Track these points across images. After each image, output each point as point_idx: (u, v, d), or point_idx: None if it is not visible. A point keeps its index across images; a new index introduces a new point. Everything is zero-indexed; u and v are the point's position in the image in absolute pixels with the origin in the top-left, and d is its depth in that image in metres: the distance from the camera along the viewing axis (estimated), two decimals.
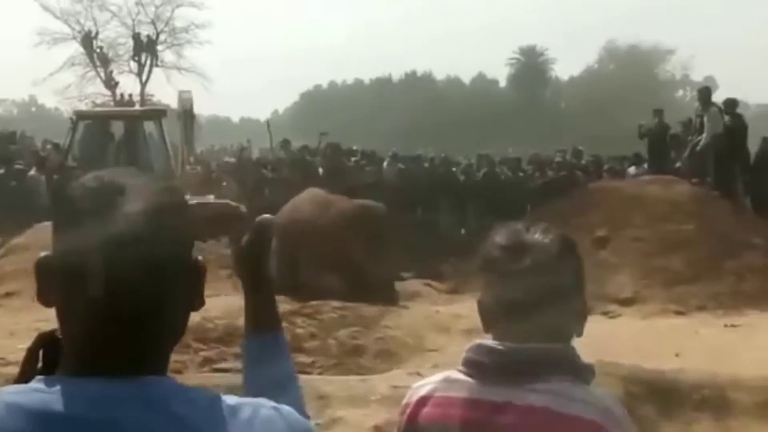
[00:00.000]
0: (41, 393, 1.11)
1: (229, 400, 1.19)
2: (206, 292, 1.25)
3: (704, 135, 14.52)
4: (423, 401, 1.73)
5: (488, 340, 1.64)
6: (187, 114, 16.37)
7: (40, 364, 1.22)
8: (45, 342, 1.23)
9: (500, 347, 1.61)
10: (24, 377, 1.19)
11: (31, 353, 1.23)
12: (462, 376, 1.67)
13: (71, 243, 1.14)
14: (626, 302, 10.56)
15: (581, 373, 1.62)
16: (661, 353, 8.03)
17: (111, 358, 1.13)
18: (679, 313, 10.21)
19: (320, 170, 18.56)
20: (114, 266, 1.10)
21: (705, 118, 14.60)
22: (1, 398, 1.11)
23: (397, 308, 9.94)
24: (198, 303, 1.23)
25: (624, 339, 8.62)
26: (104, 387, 1.12)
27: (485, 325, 1.70)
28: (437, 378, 1.73)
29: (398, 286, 11.97)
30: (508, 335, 1.62)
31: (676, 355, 7.91)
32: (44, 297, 1.18)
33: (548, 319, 1.60)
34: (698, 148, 14.74)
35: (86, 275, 1.11)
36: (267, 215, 1.57)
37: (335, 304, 9.59)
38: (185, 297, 1.20)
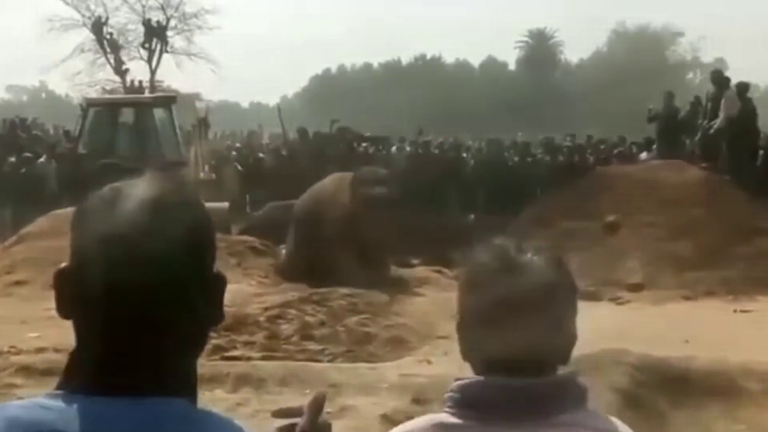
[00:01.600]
0: (44, 409, 1.10)
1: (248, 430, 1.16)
2: None
3: (719, 118, 14.47)
4: None
5: (480, 377, 1.47)
6: (202, 123, 16.36)
7: None
8: None
9: (506, 383, 1.44)
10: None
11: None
12: (455, 419, 1.46)
13: (88, 256, 1.12)
14: (636, 288, 10.55)
15: (585, 398, 1.49)
16: (671, 339, 8.02)
17: (123, 377, 1.11)
18: (688, 298, 10.20)
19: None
20: (131, 280, 1.09)
21: (722, 101, 14.52)
22: (5, 411, 1.11)
23: (407, 295, 9.94)
24: (218, 318, 1.20)
25: (633, 325, 8.63)
26: (107, 407, 1.10)
27: (464, 351, 1.52)
28: (422, 425, 1.50)
29: (407, 272, 11.97)
30: (498, 366, 1.45)
31: (686, 341, 7.89)
32: (63, 309, 1.16)
33: (543, 347, 1.45)
34: (711, 131, 14.70)
35: (103, 289, 1.10)
36: (320, 393, 1.31)
37: (344, 290, 9.58)
38: (205, 312, 1.17)
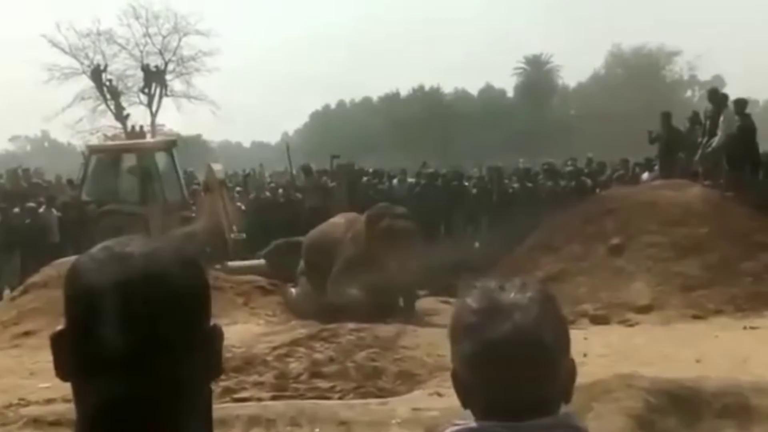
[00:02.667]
0: None
1: None
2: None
3: (718, 136, 14.48)
4: None
5: (474, 422, 1.44)
6: (222, 185, 16.43)
7: None
8: None
9: (500, 429, 1.40)
10: None
11: None
12: None
13: (81, 316, 1.12)
14: (644, 309, 10.51)
15: None
16: (682, 359, 8.00)
17: None
18: (697, 317, 10.16)
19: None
20: (126, 342, 1.09)
21: (721, 119, 14.55)
22: None
23: (414, 327, 9.92)
24: (218, 371, 1.19)
25: (644, 346, 8.60)
26: None
27: (463, 400, 1.48)
28: None
29: (415, 303, 11.97)
30: (495, 411, 1.41)
31: (697, 361, 7.86)
32: (61, 371, 1.16)
33: (537, 387, 1.41)
34: (710, 149, 14.72)
35: (97, 351, 1.09)
36: None
37: (352, 326, 9.59)
38: (203, 368, 1.17)
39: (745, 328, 9.34)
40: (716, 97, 15.59)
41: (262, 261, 13.11)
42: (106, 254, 1.15)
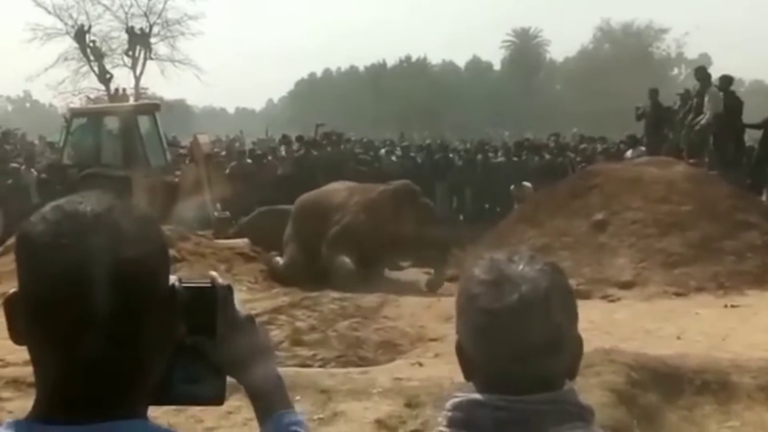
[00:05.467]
0: None
1: None
2: None
3: (705, 114, 14.52)
4: None
5: (476, 394, 1.42)
6: (208, 158, 16.29)
7: None
8: None
9: (502, 402, 1.38)
10: None
11: None
12: None
13: (34, 280, 1.07)
14: (626, 285, 10.53)
15: (587, 415, 1.43)
16: (663, 335, 8.02)
17: (81, 401, 1.08)
18: (679, 294, 10.17)
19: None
20: (79, 304, 1.04)
21: (706, 98, 14.59)
22: None
23: (397, 297, 9.92)
24: (177, 332, 1.17)
25: (625, 322, 8.61)
26: None
27: (467, 372, 1.47)
28: None
29: (397, 275, 11.98)
30: (498, 385, 1.40)
31: (678, 337, 7.88)
32: (15, 335, 1.12)
33: (542, 362, 1.39)
34: (697, 127, 14.77)
35: (53, 315, 1.05)
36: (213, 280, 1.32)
37: (335, 295, 9.58)
38: (162, 329, 1.13)
39: (726, 306, 9.36)
40: (702, 75, 15.65)
41: (246, 241, 13.01)
42: (57, 213, 1.10)
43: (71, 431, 1.07)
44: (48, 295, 1.06)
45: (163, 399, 1.25)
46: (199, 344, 1.28)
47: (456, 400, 1.43)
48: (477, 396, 1.41)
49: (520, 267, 1.42)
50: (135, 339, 1.09)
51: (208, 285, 1.31)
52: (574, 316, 1.45)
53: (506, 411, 1.37)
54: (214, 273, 1.35)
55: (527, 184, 17.43)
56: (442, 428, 1.43)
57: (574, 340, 1.45)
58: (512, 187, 17.62)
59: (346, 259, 11.14)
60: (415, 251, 11.54)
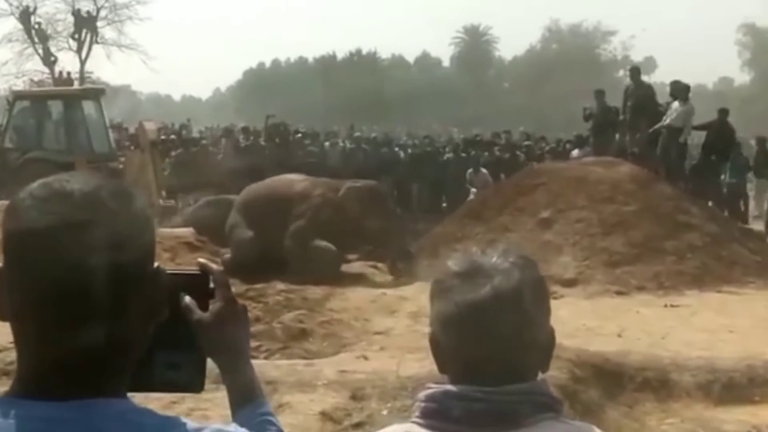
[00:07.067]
0: None
1: (190, 424, 1.14)
2: None
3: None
4: None
5: (450, 385, 1.42)
6: (154, 145, 16.05)
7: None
8: None
9: (477, 393, 1.38)
10: None
11: None
12: (421, 429, 1.42)
13: (20, 256, 1.08)
14: (569, 283, 10.65)
15: (558, 406, 1.44)
16: (605, 333, 8.15)
17: (60, 378, 1.08)
18: (620, 293, 10.33)
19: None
20: (66, 280, 1.05)
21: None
22: None
23: (342, 290, 9.91)
24: (160, 312, 1.18)
25: (568, 319, 8.71)
26: (49, 410, 1.07)
27: (440, 364, 1.48)
28: None
29: (342, 268, 11.96)
30: (472, 376, 1.40)
31: (619, 335, 8.01)
32: None
33: (515, 353, 1.40)
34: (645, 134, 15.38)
35: (37, 291, 1.06)
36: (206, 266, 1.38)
37: (281, 286, 9.55)
38: (145, 309, 1.14)
39: (666, 305, 9.53)
40: (633, 73, 16.98)
41: (191, 230, 12.88)
42: (45, 190, 1.11)
43: (49, 407, 1.07)
44: (32, 272, 1.06)
45: (143, 384, 1.25)
46: (182, 330, 1.29)
47: (429, 391, 1.43)
48: (451, 387, 1.41)
49: (493, 259, 1.44)
50: (117, 318, 1.10)
51: (197, 272, 1.35)
52: (546, 309, 1.48)
53: (480, 402, 1.38)
54: (202, 260, 1.38)
55: (484, 170, 17.61)
56: (415, 419, 1.43)
57: (547, 333, 1.47)
58: (469, 171, 17.81)
59: (325, 244, 11.20)
60: (374, 247, 11.92)
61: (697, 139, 17.70)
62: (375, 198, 11.82)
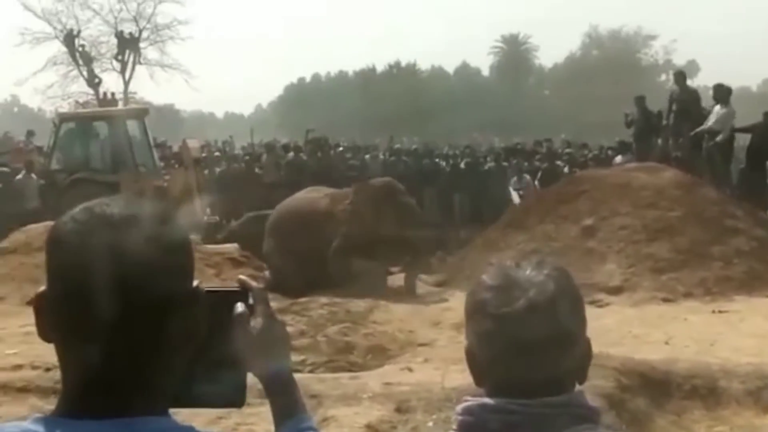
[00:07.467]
0: None
1: None
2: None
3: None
4: None
5: (487, 398, 1.43)
6: (197, 162, 16.26)
7: None
8: None
9: (513, 406, 1.39)
10: None
11: None
12: None
13: (61, 277, 1.12)
14: (615, 291, 10.55)
15: (595, 417, 1.44)
16: (651, 341, 8.06)
17: (102, 398, 1.11)
18: (667, 300, 10.21)
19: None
20: (104, 303, 1.08)
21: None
22: None
23: (386, 302, 9.92)
24: (200, 332, 1.20)
25: (614, 327, 8.64)
26: (92, 429, 1.10)
27: (476, 377, 1.49)
28: None
29: (387, 280, 11.95)
30: (508, 389, 1.42)
31: (666, 343, 7.92)
32: (43, 333, 1.16)
33: (551, 366, 1.41)
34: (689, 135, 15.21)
35: (83, 313, 1.09)
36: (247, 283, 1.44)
37: (324, 300, 9.56)
38: (183, 328, 1.17)
39: (713, 311, 9.40)
40: (679, 78, 16.88)
41: (235, 246, 12.95)
42: (87, 215, 1.14)
43: (91, 426, 1.10)
44: (74, 293, 1.10)
45: (184, 400, 1.27)
46: (223, 346, 1.32)
47: (467, 404, 1.45)
48: (487, 400, 1.43)
49: (528, 272, 1.45)
50: (157, 338, 1.13)
51: (236, 289, 1.39)
52: (582, 320, 1.47)
53: (517, 415, 1.39)
54: (243, 277, 1.43)
55: (527, 176, 17.53)
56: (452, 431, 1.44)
57: (583, 344, 1.47)
58: (513, 179, 17.75)
59: (367, 263, 11.08)
60: (390, 250, 11.44)
61: (742, 141, 17.46)
62: (389, 198, 11.54)
